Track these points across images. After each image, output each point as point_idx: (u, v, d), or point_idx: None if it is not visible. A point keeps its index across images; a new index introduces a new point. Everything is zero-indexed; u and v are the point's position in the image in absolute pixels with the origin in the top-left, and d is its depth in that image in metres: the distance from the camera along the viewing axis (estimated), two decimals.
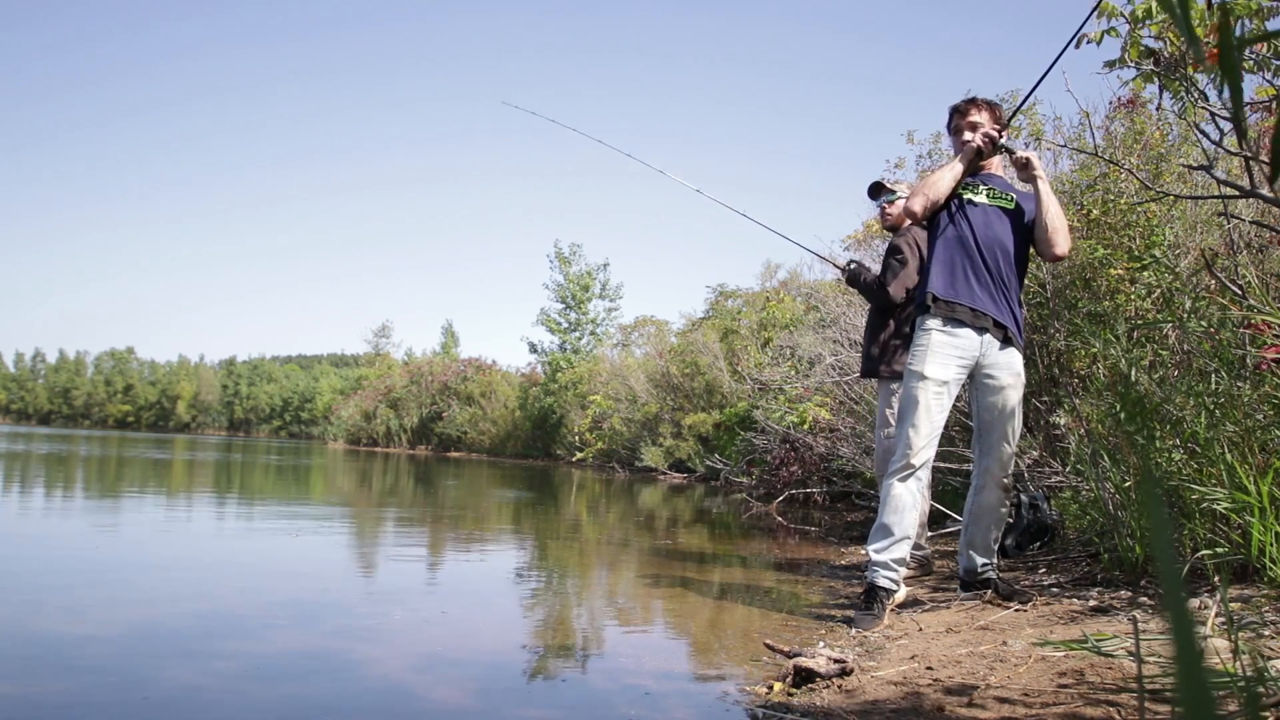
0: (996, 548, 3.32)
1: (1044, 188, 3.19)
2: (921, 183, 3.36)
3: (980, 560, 3.29)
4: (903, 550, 3.13)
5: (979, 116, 3.33)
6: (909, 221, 3.88)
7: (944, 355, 3.14)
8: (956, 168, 3.27)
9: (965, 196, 3.28)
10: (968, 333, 3.16)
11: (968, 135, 3.32)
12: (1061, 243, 3.18)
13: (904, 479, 3.13)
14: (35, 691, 2.01)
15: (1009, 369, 3.18)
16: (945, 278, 3.20)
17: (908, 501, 3.12)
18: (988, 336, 3.17)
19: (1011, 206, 3.27)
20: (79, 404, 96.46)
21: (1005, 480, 3.22)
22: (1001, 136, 3.30)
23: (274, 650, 2.50)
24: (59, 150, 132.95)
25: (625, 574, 4.51)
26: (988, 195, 3.28)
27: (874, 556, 3.14)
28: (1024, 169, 3.25)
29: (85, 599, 3.10)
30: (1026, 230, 3.28)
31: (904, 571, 3.20)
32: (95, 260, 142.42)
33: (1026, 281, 5.68)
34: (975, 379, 3.23)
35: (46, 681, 2.09)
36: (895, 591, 3.18)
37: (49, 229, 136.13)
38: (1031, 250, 3.37)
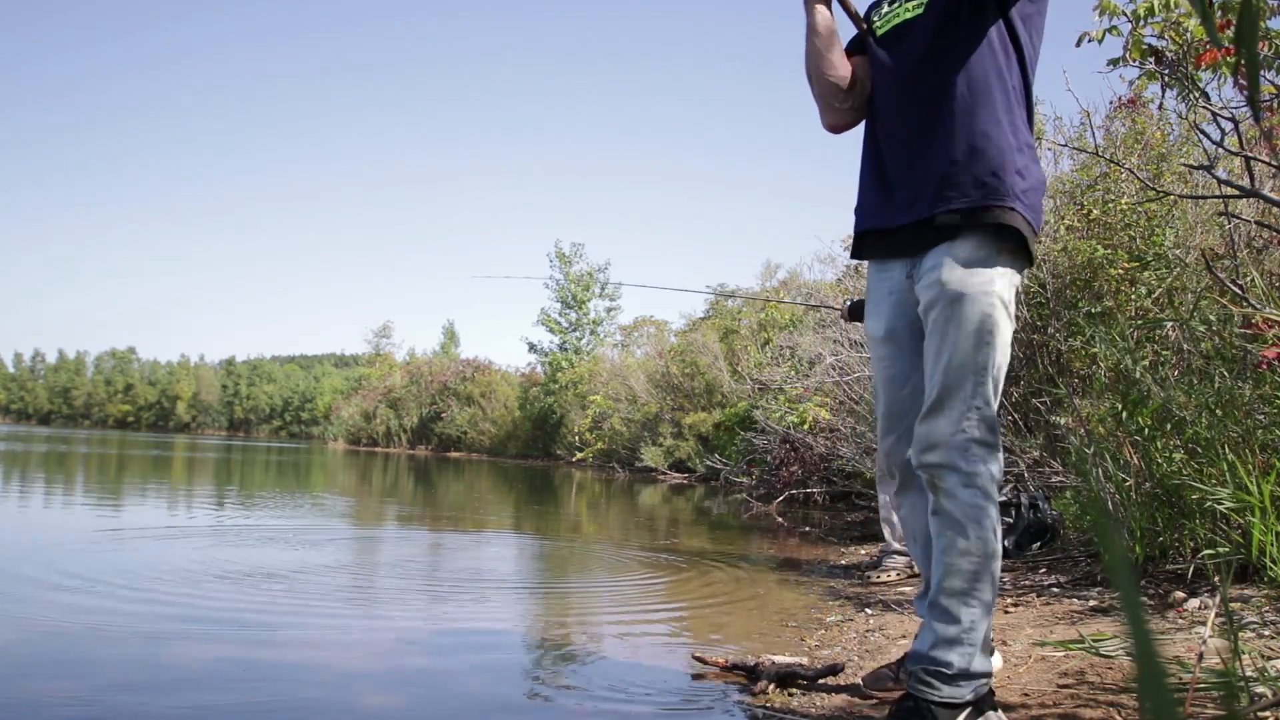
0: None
1: None
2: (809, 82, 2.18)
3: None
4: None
5: None
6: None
7: (877, 300, 2.11)
8: (813, 19, 2.10)
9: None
10: (896, 265, 2.07)
11: None
12: None
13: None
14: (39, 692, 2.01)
15: (935, 270, 1.92)
16: (860, 200, 2.16)
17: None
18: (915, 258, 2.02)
19: (920, 10, 2.00)
20: (79, 404, 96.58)
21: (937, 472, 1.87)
22: None
23: (271, 651, 2.50)
24: (60, 150, 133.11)
25: (625, 574, 4.50)
26: (884, 20, 2.09)
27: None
28: None
29: (85, 602, 3.09)
30: (961, 24, 1.94)
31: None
32: (95, 260, 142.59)
33: (1025, 280, 5.65)
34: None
35: (44, 682, 2.09)
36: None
37: (49, 229, 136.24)
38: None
